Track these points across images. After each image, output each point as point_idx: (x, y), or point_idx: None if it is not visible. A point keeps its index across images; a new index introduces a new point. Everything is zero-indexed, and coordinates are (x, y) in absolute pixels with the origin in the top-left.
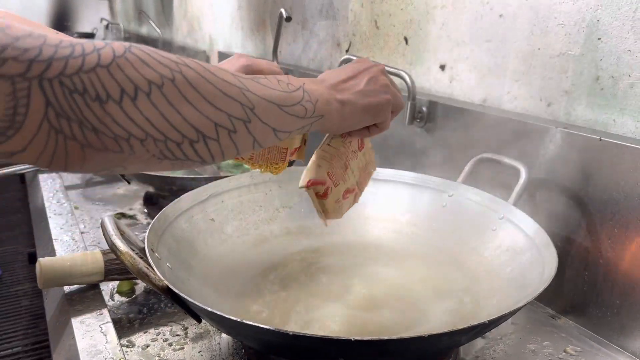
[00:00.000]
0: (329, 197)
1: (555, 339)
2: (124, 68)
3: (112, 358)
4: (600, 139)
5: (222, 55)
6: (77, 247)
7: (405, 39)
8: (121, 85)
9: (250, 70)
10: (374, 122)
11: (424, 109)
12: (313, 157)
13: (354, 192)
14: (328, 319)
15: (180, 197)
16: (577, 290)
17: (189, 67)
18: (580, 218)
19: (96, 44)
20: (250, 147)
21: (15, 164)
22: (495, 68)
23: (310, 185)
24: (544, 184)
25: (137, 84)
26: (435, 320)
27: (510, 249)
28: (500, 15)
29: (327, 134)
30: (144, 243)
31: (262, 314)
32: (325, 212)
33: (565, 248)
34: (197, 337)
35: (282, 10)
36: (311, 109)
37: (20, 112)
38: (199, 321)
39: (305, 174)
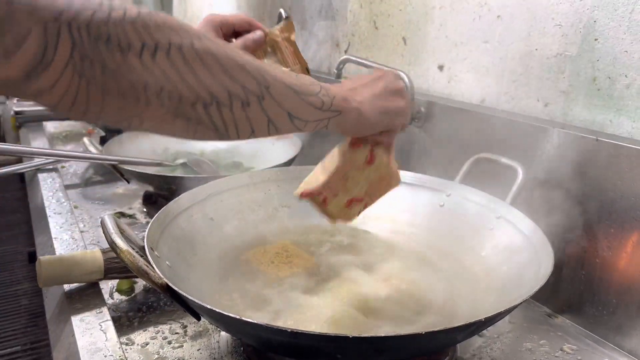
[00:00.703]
0: (329, 205)
1: (552, 337)
2: (149, 25)
3: (112, 356)
4: (597, 139)
5: None
6: (76, 246)
7: (404, 40)
8: (143, 40)
9: (225, 23)
10: (390, 127)
11: (422, 109)
12: (316, 168)
13: (362, 202)
14: (326, 317)
15: (180, 196)
16: (573, 290)
17: (211, 40)
18: (577, 217)
19: (122, 3)
20: (265, 128)
21: (41, 109)
22: (493, 68)
23: (304, 197)
24: (541, 183)
25: (158, 41)
26: (431, 318)
27: (507, 248)
28: (498, 16)
29: (336, 148)
30: (143, 241)
31: (262, 311)
32: (330, 216)
33: (561, 247)
34: (196, 335)
35: (281, 10)
36: (328, 102)
37: (49, 52)
38: (198, 319)
39: (303, 184)
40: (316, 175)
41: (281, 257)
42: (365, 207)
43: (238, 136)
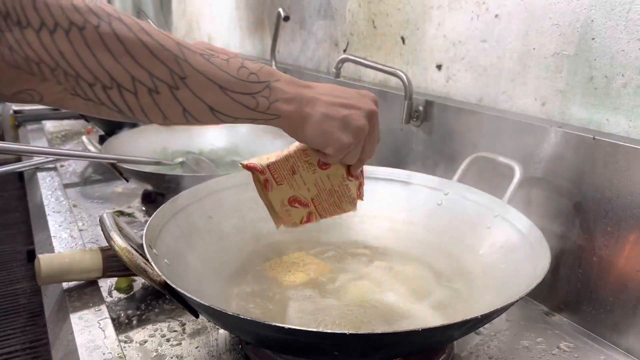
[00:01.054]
0: (270, 192)
1: (549, 335)
2: (50, 6)
3: (111, 353)
4: (594, 138)
5: None
6: (75, 245)
7: (402, 39)
8: (42, 18)
9: None
10: (330, 155)
11: (421, 108)
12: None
13: (306, 208)
14: (324, 315)
15: (178, 194)
16: (570, 288)
17: (122, 22)
18: (574, 216)
19: None
20: (180, 115)
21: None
22: (491, 68)
23: (246, 168)
24: (538, 182)
25: (58, 21)
26: (429, 315)
27: (504, 246)
28: (496, 16)
29: None
30: (142, 240)
31: (259, 310)
32: (271, 209)
33: (558, 246)
34: (195, 333)
35: (280, 9)
36: (265, 105)
37: None
38: (197, 316)
39: (254, 158)
40: (269, 155)
41: (297, 266)
42: (309, 218)
43: (150, 120)
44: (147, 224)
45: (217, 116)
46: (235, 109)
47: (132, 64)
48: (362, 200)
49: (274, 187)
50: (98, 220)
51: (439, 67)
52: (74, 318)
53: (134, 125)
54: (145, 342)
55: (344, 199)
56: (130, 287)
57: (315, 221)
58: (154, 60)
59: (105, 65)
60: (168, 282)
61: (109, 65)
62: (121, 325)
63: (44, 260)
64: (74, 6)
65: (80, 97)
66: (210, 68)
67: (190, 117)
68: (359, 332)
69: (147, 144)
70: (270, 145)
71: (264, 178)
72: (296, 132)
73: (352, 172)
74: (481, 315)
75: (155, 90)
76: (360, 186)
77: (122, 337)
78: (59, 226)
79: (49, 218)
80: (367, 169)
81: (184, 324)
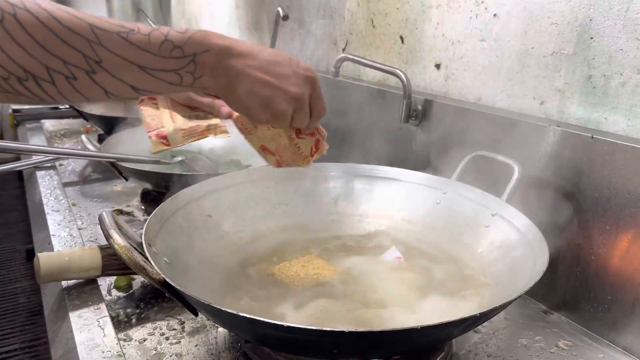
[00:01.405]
0: (247, 137)
1: (548, 333)
2: None
3: (110, 352)
4: (593, 137)
5: None
6: (74, 243)
7: (402, 38)
8: None
9: None
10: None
11: (420, 107)
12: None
13: (274, 156)
14: (323, 313)
15: (178, 193)
16: (569, 286)
17: (28, 10)
18: (572, 215)
19: None
20: (103, 96)
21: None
22: (490, 67)
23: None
24: (536, 181)
25: None
26: (428, 314)
27: (502, 245)
28: (495, 15)
29: None
30: (141, 238)
31: (258, 308)
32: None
33: (557, 244)
34: (194, 331)
35: (280, 9)
36: (189, 81)
37: None
38: (196, 314)
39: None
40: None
41: (307, 269)
42: (279, 164)
43: (71, 101)
44: (147, 222)
45: (140, 94)
46: (158, 86)
47: (44, 54)
48: (324, 153)
49: (247, 135)
50: (97, 218)
51: (437, 66)
52: (73, 317)
53: (133, 124)
54: (145, 340)
55: (296, 156)
56: (130, 286)
57: (287, 166)
58: (67, 48)
59: (16, 59)
60: (167, 280)
61: (19, 58)
62: (120, 324)
63: (43, 259)
64: None
65: None
66: (128, 48)
67: (113, 97)
68: (358, 330)
69: (146, 142)
70: None
71: (239, 126)
72: (226, 101)
73: (303, 132)
74: (480, 314)
75: (72, 77)
76: (317, 143)
77: (121, 335)
78: (58, 225)
79: (48, 217)
80: (366, 168)
81: (183, 322)
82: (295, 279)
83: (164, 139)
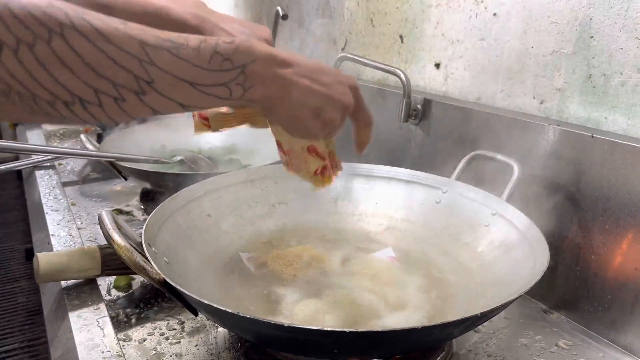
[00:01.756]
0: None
1: (547, 333)
2: None
3: (109, 352)
4: (592, 136)
5: None
6: (74, 243)
7: (401, 37)
8: None
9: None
10: (290, 134)
11: (419, 106)
12: None
13: (285, 156)
14: (323, 313)
15: (177, 193)
16: (568, 286)
17: (76, 29)
18: (572, 214)
19: None
20: (150, 115)
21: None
22: (489, 66)
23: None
24: (536, 180)
25: (3, 39)
26: (428, 314)
27: (502, 244)
28: (494, 14)
29: None
30: (141, 238)
31: (257, 308)
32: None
33: (557, 244)
34: (194, 331)
35: (279, 8)
36: (238, 94)
37: None
38: (196, 314)
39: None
40: None
41: (301, 259)
42: (288, 166)
43: (116, 124)
44: (146, 222)
45: (187, 110)
46: (207, 102)
47: (93, 76)
48: (328, 184)
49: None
50: (97, 218)
51: (437, 65)
52: (73, 316)
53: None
54: (144, 340)
55: (303, 168)
56: (129, 286)
57: (293, 172)
58: (117, 68)
59: (64, 82)
60: (167, 280)
61: (67, 81)
62: (120, 324)
63: (42, 258)
64: (18, 19)
65: (39, 114)
66: (179, 65)
67: (160, 114)
68: (358, 330)
69: (145, 142)
70: (269, 144)
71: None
72: (269, 113)
73: (315, 150)
74: (480, 313)
75: (121, 98)
76: (324, 168)
77: (121, 335)
78: (58, 224)
79: (47, 216)
80: (365, 167)
81: (183, 322)
82: (294, 275)
83: (206, 120)
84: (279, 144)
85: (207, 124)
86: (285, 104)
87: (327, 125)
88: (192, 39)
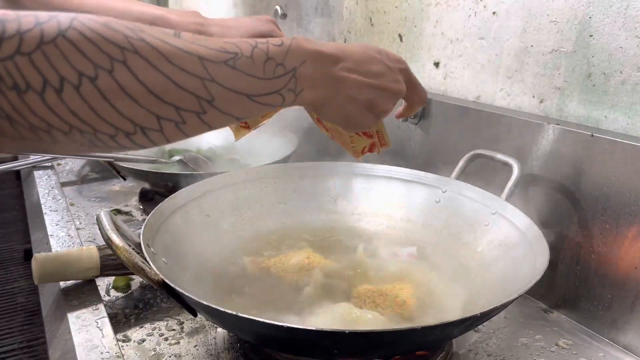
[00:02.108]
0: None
1: (548, 332)
2: (50, 57)
3: (108, 352)
4: (592, 135)
5: None
6: (72, 243)
7: (400, 36)
8: (44, 75)
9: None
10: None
11: None
12: None
13: (328, 132)
14: (323, 313)
15: (176, 193)
16: (568, 285)
17: (138, 53)
18: (572, 213)
19: (24, 22)
20: (200, 133)
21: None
22: (489, 65)
23: None
24: (536, 179)
25: (63, 75)
26: (428, 314)
27: (502, 243)
28: (494, 13)
29: None
30: (139, 238)
31: (257, 308)
32: None
33: (557, 243)
34: (193, 332)
35: (278, 7)
36: (291, 99)
37: None
38: (195, 315)
39: None
40: None
41: (302, 264)
42: (332, 137)
43: (167, 144)
44: (145, 222)
45: (238, 122)
46: (260, 112)
47: (157, 103)
48: (379, 152)
49: None
50: (95, 219)
51: (436, 64)
52: (72, 317)
53: None
54: (144, 341)
55: (347, 145)
56: (128, 286)
57: (339, 144)
58: (181, 92)
59: (127, 113)
60: (166, 280)
61: (130, 112)
62: (119, 324)
63: (40, 259)
64: (79, 50)
65: (100, 147)
66: (237, 78)
67: (209, 129)
68: (358, 330)
69: None
70: (268, 144)
71: None
72: (319, 112)
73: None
74: (480, 313)
75: (182, 121)
76: (372, 145)
77: (119, 336)
78: (56, 225)
79: (45, 217)
80: (365, 166)
81: (182, 323)
82: (293, 275)
83: (244, 122)
84: (318, 121)
85: (245, 125)
86: (336, 102)
87: (381, 116)
88: (244, 45)
